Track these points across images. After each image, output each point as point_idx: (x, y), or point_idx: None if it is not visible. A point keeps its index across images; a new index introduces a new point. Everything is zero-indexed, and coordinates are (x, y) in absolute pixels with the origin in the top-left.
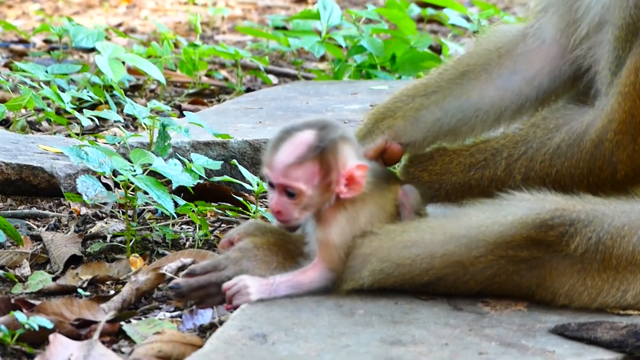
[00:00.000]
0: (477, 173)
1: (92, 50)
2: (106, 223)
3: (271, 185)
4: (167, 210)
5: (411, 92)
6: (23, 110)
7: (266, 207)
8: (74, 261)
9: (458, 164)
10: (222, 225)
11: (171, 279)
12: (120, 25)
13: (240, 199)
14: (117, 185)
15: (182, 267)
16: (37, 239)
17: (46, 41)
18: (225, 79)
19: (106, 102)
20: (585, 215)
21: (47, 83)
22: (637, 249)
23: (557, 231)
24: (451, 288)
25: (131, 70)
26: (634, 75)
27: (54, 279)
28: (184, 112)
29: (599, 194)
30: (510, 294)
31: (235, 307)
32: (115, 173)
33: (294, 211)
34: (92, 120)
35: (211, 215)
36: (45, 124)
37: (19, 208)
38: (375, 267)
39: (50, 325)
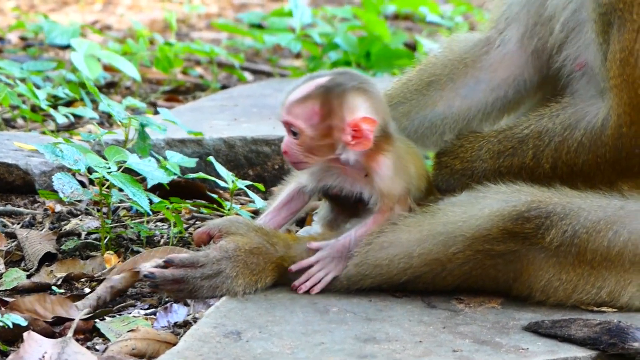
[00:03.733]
0: (506, 160)
1: (68, 47)
2: (81, 220)
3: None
4: (141, 207)
5: (400, 87)
6: None
7: (241, 204)
8: (48, 258)
9: (487, 151)
10: (197, 222)
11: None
12: (96, 22)
13: (215, 196)
14: (91, 182)
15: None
16: (11, 236)
17: (22, 38)
18: (201, 76)
19: (81, 100)
20: (561, 208)
21: (23, 80)
22: (612, 245)
23: (533, 223)
24: (429, 285)
25: (107, 68)
26: (620, 67)
27: (28, 277)
28: (159, 109)
29: (629, 178)
30: (488, 289)
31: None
32: (90, 170)
33: (298, 152)
34: (67, 117)
35: (186, 213)
36: (20, 121)
37: None
38: (351, 272)
39: (24, 323)
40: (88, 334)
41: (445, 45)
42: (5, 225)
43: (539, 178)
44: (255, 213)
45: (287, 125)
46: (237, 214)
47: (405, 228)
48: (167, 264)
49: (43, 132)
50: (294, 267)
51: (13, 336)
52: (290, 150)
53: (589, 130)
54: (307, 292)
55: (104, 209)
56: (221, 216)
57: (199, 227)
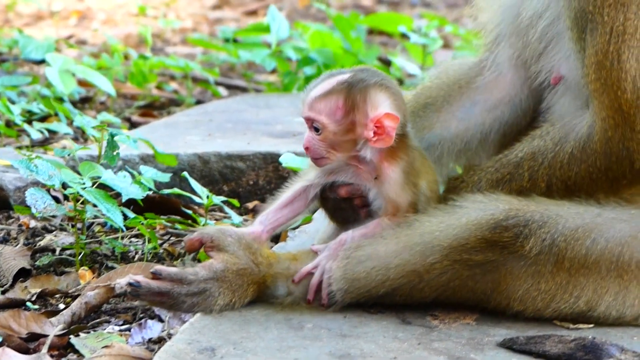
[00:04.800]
0: (504, 187)
1: (42, 62)
2: (55, 236)
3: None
4: (115, 223)
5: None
6: None
7: (216, 220)
8: (23, 274)
9: (487, 182)
10: (172, 238)
11: (121, 294)
12: (70, 37)
13: (190, 211)
14: (66, 198)
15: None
16: None
17: None
18: (175, 91)
19: (56, 115)
20: (539, 216)
21: None
22: (589, 252)
23: (511, 232)
24: (407, 298)
25: (81, 83)
26: (596, 70)
27: (2, 292)
28: (133, 126)
29: (622, 184)
30: (466, 300)
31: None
32: (64, 186)
33: (320, 148)
34: (41, 132)
35: (160, 228)
36: None
37: None
38: (332, 288)
39: None
40: (62, 350)
41: (441, 70)
42: None
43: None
44: None
45: (309, 121)
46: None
47: (383, 240)
48: (155, 276)
49: (18, 148)
50: (296, 278)
51: None
52: (312, 146)
53: (577, 141)
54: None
55: (79, 225)
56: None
57: (173, 243)
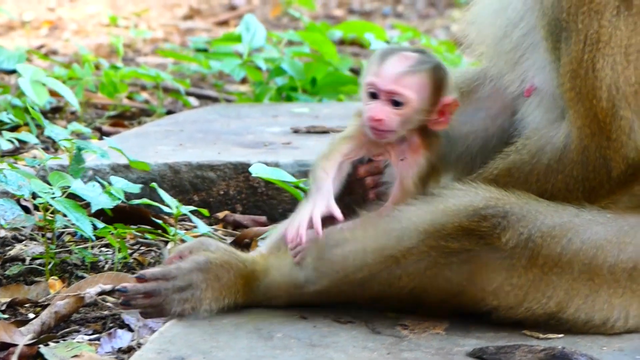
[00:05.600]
0: None
1: (13, 72)
2: (25, 245)
3: (372, 95)
4: (85, 232)
5: None
6: None
7: (186, 229)
8: None
9: None
10: (142, 248)
11: (90, 303)
12: (41, 47)
13: (160, 221)
14: (36, 207)
15: (101, 292)
16: None
17: None
18: (146, 101)
19: (26, 125)
20: (519, 209)
21: None
22: (564, 252)
23: (489, 222)
24: (385, 286)
25: (52, 93)
26: (571, 79)
27: None
28: (104, 136)
29: (599, 194)
30: (442, 292)
31: None
32: (34, 196)
33: (394, 122)
34: (11, 142)
35: (130, 238)
36: None
37: None
38: (309, 272)
39: None
40: (32, 359)
41: None
42: None
43: None
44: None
45: (391, 94)
46: (182, 240)
47: (361, 226)
48: (140, 279)
49: None
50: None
51: None
52: (388, 119)
53: (554, 152)
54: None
55: (49, 235)
56: (166, 242)
57: (143, 253)
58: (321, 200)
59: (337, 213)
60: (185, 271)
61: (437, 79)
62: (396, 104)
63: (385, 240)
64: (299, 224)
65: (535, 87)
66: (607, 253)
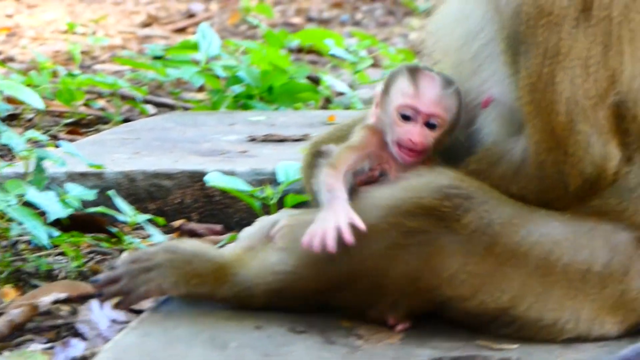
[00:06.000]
0: None
1: None
2: None
3: (405, 117)
4: (41, 241)
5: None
6: None
7: (142, 238)
8: None
9: None
10: (97, 256)
11: (45, 312)
12: None
13: (115, 230)
14: None
15: (55, 301)
16: None
17: None
18: (103, 109)
19: None
20: (482, 194)
21: None
22: (522, 242)
23: (452, 202)
24: (349, 266)
25: (9, 100)
26: (530, 93)
27: None
28: (60, 142)
29: (555, 207)
30: (401, 275)
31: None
32: None
33: (430, 144)
34: None
35: (85, 247)
36: None
37: None
38: (275, 256)
39: None
40: None
41: None
42: None
43: None
44: None
45: (432, 116)
46: (137, 249)
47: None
48: (112, 269)
49: None
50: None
51: None
52: (427, 142)
53: (511, 163)
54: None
55: (3, 243)
56: (121, 250)
57: (98, 262)
58: (342, 209)
59: (360, 223)
60: (151, 253)
61: (462, 99)
62: (432, 126)
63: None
64: (324, 233)
65: (493, 99)
66: (563, 251)
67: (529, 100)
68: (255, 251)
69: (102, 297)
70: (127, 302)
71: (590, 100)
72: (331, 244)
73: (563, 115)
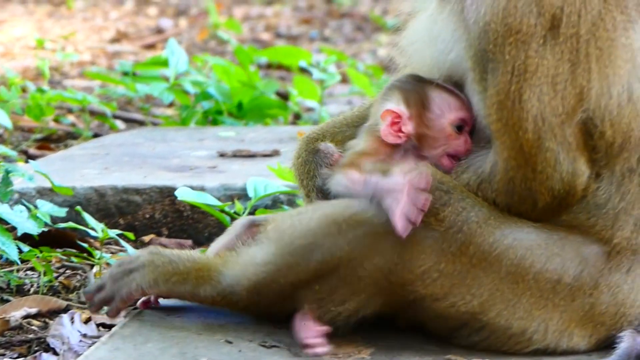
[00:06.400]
0: None
1: None
2: None
3: (460, 129)
4: (11, 256)
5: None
6: None
7: (112, 253)
8: None
9: None
10: (67, 271)
11: (16, 326)
12: None
13: (85, 245)
14: None
15: (26, 316)
16: None
17: None
18: (73, 125)
19: None
20: (460, 191)
21: None
22: (495, 245)
23: (433, 194)
24: (327, 256)
25: None
26: (498, 110)
27: None
28: (29, 161)
29: None
30: (376, 268)
31: None
32: None
33: None
34: None
35: (56, 262)
36: None
37: None
38: (263, 245)
39: None
40: None
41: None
42: None
43: None
44: None
45: (469, 121)
46: (107, 264)
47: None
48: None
49: None
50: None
51: None
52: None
53: (478, 174)
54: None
55: None
56: (92, 265)
57: (69, 277)
58: (401, 184)
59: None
60: (136, 256)
61: None
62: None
63: (331, 208)
64: (406, 213)
65: None
66: (535, 258)
67: (497, 118)
68: (237, 251)
69: (93, 307)
70: (114, 308)
71: (557, 117)
72: (417, 219)
73: (531, 133)
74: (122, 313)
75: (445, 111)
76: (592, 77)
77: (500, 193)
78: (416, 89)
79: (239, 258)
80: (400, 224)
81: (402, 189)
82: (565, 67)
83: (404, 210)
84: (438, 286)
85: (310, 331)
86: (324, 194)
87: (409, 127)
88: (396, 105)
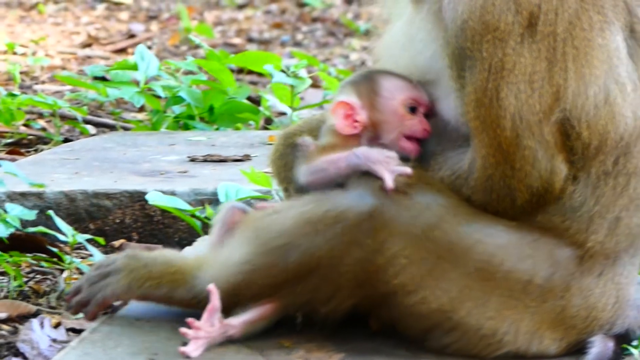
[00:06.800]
0: None
1: None
2: None
3: (412, 109)
4: None
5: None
6: None
7: (82, 258)
8: None
9: None
10: (37, 276)
11: None
12: None
13: (56, 250)
14: None
15: None
16: None
17: None
18: (43, 129)
19: None
20: (433, 179)
21: None
22: (463, 236)
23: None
24: (306, 256)
25: None
26: (476, 108)
27: None
28: (1, 162)
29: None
30: (354, 261)
31: None
32: None
33: None
34: None
35: (26, 266)
36: None
37: None
38: (238, 245)
39: None
40: None
41: None
42: None
43: None
44: None
45: (428, 107)
46: (77, 269)
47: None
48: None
49: None
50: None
51: None
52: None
53: (455, 171)
54: None
55: None
56: (62, 270)
57: (39, 281)
58: (374, 152)
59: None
60: (112, 259)
61: None
62: (427, 116)
63: (304, 206)
64: (391, 171)
65: (440, 115)
66: (505, 257)
67: (475, 116)
68: (212, 252)
69: (71, 310)
70: (89, 311)
71: (535, 115)
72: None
73: (509, 131)
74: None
75: (395, 93)
76: (568, 76)
77: (478, 191)
78: (365, 78)
79: (214, 260)
80: (388, 177)
81: (388, 156)
82: (543, 66)
83: (391, 168)
84: (408, 276)
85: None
86: (302, 188)
87: (362, 116)
88: (347, 96)
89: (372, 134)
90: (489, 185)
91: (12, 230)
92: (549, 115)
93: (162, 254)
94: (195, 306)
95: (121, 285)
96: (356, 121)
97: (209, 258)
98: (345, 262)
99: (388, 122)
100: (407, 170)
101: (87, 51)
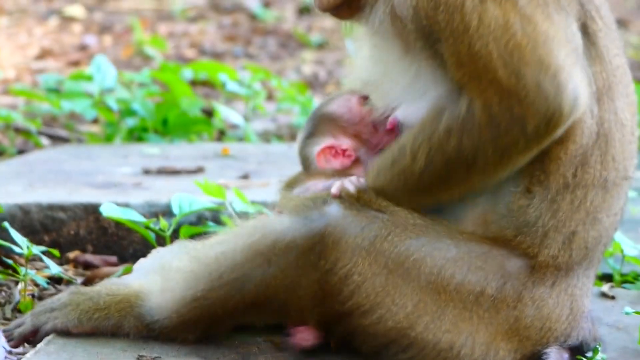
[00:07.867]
0: (387, 172)
1: None
2: None
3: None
4: None
5: None
6: None
7: (37, 269)
8: None
9: (372, 172)
10: None
11: None
12: None
13: (10, 261)
14: None
15: None
16: None
17: None
18: None
19: None
20: (382, 201)
21: None
22: (411, 249)
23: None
24: (262, 287)
25: None
26: (459, 68)
27: None
28: None
29: (512, 154)
30: (312, 282)
31: None
32: None
33: None
34: None
35: None
36: None
37: None
38: (188, 280)
39: None
40: None
41: None
42: None
43: (417, 178)
44: (51, 279)
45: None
46: (32, 280)
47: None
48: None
49: None
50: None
51: None
52: None
53: (454, 116)
54: None
55: None
56: (17, 282)
57: None
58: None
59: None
60: (57, 297)
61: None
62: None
63: (250, 237)
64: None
65: (398, 121)
66: (455, 269)
67: (464, 74)
68: (159, 280)
69: (13, 342)
70: (37, 340)
71: (524, 49)
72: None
73: (502, 69)
74: None
75: (351, 109)
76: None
77: (483, 127)
78: (316, 120)
79: (163, 292)
80: (336, 184)
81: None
82: (517, 14)
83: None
84: (363, 295)
85: None
86: None
87: (346, 144)
88: (319, 144)
89: (364, 146)
90: (495, 120)
91: None
92: (539, 42)
93: (105, 285)
94: (148, 335)
95: (71, 318)
96: (345, 151)
97: (156, 286)
98: (302, 285)
99: (363, 131)
100: (360, 180)
101: (40, 64)
